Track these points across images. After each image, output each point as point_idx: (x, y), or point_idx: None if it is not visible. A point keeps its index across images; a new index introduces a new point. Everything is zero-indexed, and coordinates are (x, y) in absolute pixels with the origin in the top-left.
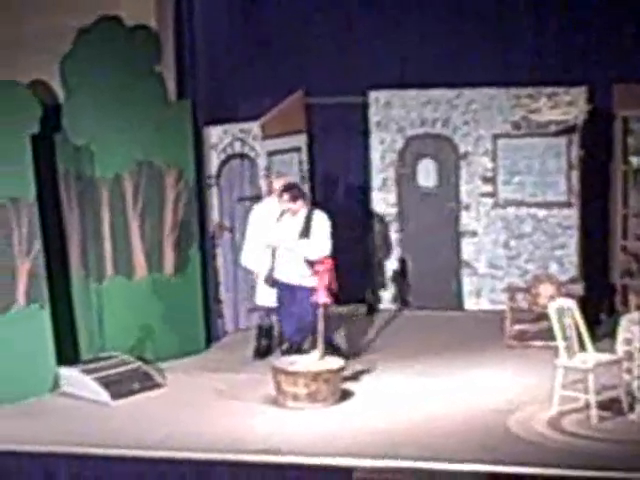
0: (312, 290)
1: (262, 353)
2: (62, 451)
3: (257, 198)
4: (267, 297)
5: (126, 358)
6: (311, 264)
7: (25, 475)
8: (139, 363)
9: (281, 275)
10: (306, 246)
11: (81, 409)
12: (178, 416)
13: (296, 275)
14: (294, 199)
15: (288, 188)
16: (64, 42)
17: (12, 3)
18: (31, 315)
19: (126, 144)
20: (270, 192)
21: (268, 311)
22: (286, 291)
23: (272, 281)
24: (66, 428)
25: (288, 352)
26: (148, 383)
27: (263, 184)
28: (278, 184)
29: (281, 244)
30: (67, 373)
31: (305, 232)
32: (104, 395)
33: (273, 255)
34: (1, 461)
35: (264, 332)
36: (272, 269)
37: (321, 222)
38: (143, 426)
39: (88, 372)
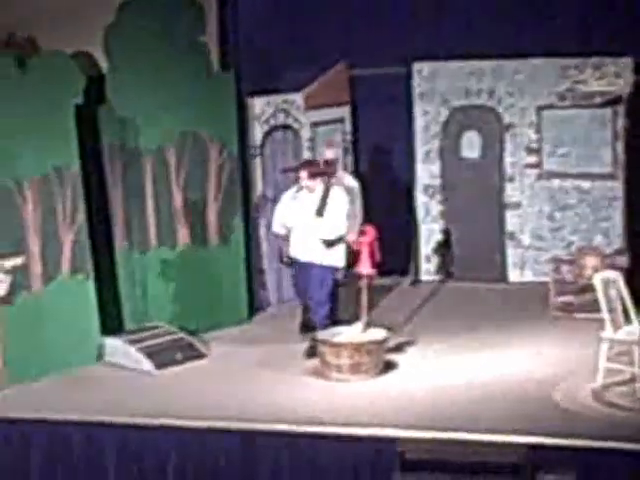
0: (325, 268)
1: (309, 327)
2: (106, 420)
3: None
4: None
5: (169, 328)
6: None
7: (70, 444)
8: (182, 333)
9: (296, 253)
10: (320, 225)
11: (125, 379)
12: (221, 387)
13: (311, 253)
14: (313, 176)
15: (307, 165)
16: (108, 13)
17: None
18: (75, 285)
19: (170, 115)
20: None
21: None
22: (301, 269)
23: (289, 259)
24: (110, 398)
25: (306, 330)
26: (191, 353)
27: (307, 155)
28: (329, 154)
29: (296, 222)
30: (111, 343)
31: (320, 210)
32: (147, 365)
33: (289, 233)
34: (46, 430)
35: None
36: (288, 247)
37: (338, 201)
38: (186, 396)
39: (132, 342)
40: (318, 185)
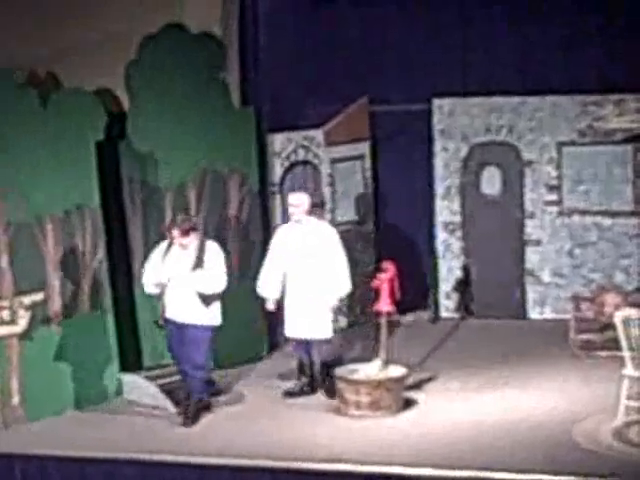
0: (204, 328)
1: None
2: (125, 457)
3: (320, 205)
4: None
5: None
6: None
7: None
8: None
9: (172, 313)
10: (198, 279)
11: (143, 416)
12: (241, 423)
13: (188, 312)
14: (185, 233)
15: (180, 222)
16: (129, 49)
17: (78, 10)
18: (95, 321)
19: (190, 151)
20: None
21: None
22: (177, 330)
23: (163, 321)
24: (129, 434)
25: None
26: (210, 389)
27: (326, 192)
28: (293, 199)
29: (171, 279)
30: (130, 380)
31: (198, 264)
32: (166, 402)
33: (163, 293)
34: (65, 468)
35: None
36: (164, 308)
37: (215, 254)
38: (206, 433)
39: (151, 379)
40: (192, 241)
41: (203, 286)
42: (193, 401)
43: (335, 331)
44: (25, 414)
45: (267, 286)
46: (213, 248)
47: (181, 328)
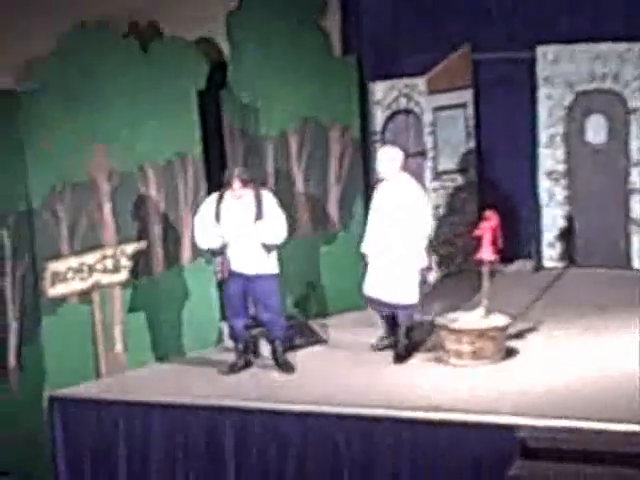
0: (272, 276)
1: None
2: (226, 405)
3: (422, 154)
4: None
5: (290, 313)
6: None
7: (189, 428)
8: (303, 318)
9: (239, 266)
10: (265, 229)
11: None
12: (340, 372)
13: (256, 264)
14: (245, 184)
15: (240, 173)
16: None
17: None
18: (196, 270)
19: (291, 100)
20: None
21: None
22: (244, 282)
23: (229, 273)
24: (229, 382)
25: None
26: (312, 338)
27: (428, 140)
28: (381, 154)
29: (233, 233)
30: None
31: (259, 215)
32: (266, 349)
33: (225, 247)
34: (166, 414)
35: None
36: (228, 262)
37: (272, 203)
38: (306, 381)
39: (251, 327)
40: (248, 192)
41: (268, 236)
42: (279, 348)
43: (421, 298)
44: (128, 361)
45: (368, 244)
46: (270, 198)
47: (249, 280)
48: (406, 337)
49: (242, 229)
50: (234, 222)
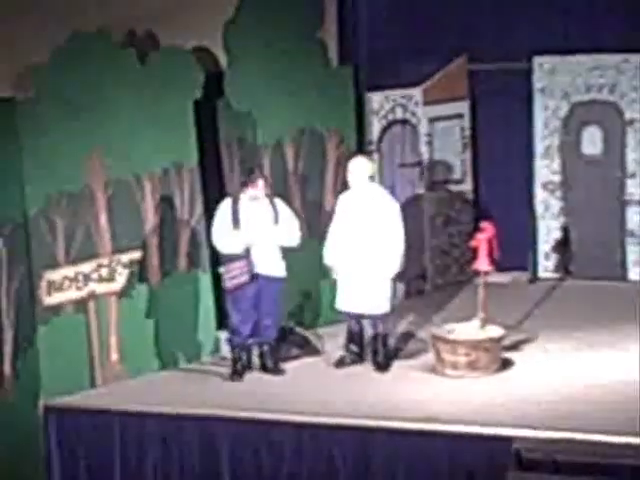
0: (282, 280)
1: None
2: (221, 415)
3: (418, 164)
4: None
5: (285, 324)
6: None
7: (184, 438)
8: (298, 329)
9: (262, 268)
10: (284, 232)
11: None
12: (336, 383)
13: (273, 266)
14: (267, 184)
15: (258, 175)
16: (227, 8)
17: None
18: (192, 279)
19: (288, 110)
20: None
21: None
22: (257, 286)
23: (252, 277)
24: (225, 391)
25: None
26: (307, 349)
27: (424, 151)
28: (352, 165)
29: (254, 236)
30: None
31: (276, 218)
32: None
33: (248, 250)
34: (161, 424)
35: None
36: (252, 264)
37: (285, 207)
38: (301, 392)
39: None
40: (265, 194)
41: (286, 239)
42: (268, 352)
43: (393, 307)
44: (124, 371)
45: (331, 254)
46: (282, 202)
47: (265, 282)
48: (384, 346)
49: (262, 232)
50: (254, 225)
